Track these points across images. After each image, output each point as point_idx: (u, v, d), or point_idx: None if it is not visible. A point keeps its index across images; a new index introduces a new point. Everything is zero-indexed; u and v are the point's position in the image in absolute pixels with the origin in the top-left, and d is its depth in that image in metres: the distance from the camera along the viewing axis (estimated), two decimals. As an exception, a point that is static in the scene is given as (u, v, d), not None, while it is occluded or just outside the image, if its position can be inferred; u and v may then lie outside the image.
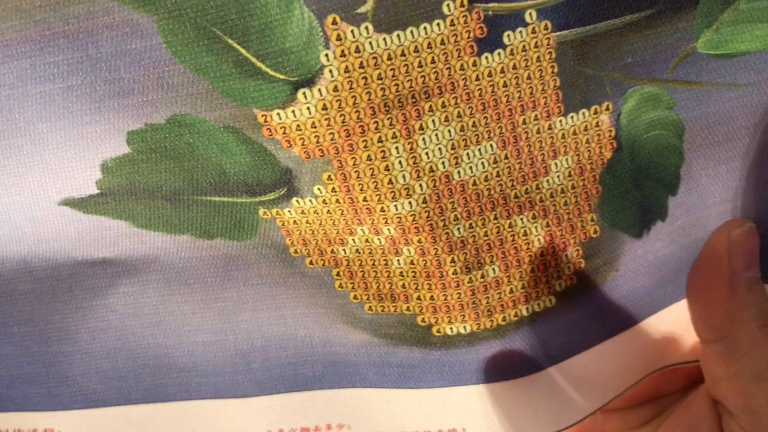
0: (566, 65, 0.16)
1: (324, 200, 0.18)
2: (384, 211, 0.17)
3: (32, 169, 0.18)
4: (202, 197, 0.19)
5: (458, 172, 0.17)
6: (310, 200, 0.18)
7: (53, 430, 0.20)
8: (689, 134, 0.17)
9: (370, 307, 0.19)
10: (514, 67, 0.16)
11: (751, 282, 0.17)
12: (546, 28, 0.16)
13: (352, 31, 0.15)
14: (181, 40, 0.15)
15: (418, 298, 0.19)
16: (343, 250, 0.19)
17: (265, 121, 0.16)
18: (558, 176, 0.18)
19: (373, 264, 0.19)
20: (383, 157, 0.17)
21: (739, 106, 0.17)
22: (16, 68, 0.16)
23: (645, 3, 0.15)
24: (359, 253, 0.19)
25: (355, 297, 0.19)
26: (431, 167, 0.17)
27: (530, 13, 0.16)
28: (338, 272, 0.19)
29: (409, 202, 0.17)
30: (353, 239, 0.18)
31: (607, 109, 0.17)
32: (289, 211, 0.18)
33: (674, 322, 0.19)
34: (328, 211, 0.18)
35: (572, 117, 0.17)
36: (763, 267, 0.18)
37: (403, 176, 0.17)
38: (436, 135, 0.16)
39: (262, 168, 0.18)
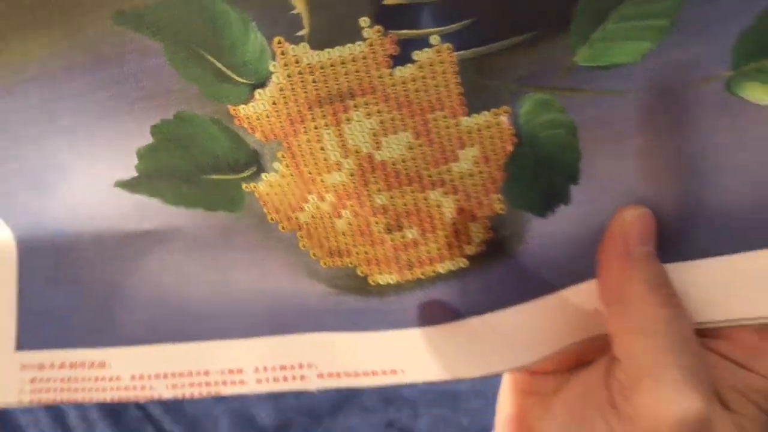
0: (467, 76, 0.21)
1: (282, 174, 0.23)
2: (323, 181, 0.23)
3: (89, 160, 0.24)
4: (205, 176, 0.24)
5: (379, 154, 0.22)
6: (273, 175, 0.23)
7: (104, 362, 0.26)
8: (583, 133, 0.21)
9: (325, 262, 0.24)
10: (423, 78, 0.21)
11: (644, 255, 0.20)
12: (449, 49, 0.20)
13: (292, 48, 0.20)
14: (179, 58, 0.21)
15: (357, 252, 0.24)
16: (302, 215, 0.24)
17: (236, 114, 0.22)
18: (466, 162, 0.22)
19: (323, 226, 0.24)
20: (318, 140, 0.22)
21: (621, 111, 0.21)
22: (76, 84, 0.22)
23: (526, 27, 0.20)
24: (313, 217, 0.24)
25: (314, 254, 0.24)
26: (356, 149, 0.22)
27: (434, 37, 0.20)
28: (300, 234, 0.24)
29: (339, 175, 0.22)
30: (307, 206, 0.24)
31: (506, 111, 0.21)
32: (261, 184, 0.24)
33: (593, 298, 0.22)
34: (287, 183, 0.23)
35: (475, 117, 0.21)
36: (663, 252, 0.21)
37: (334, 155, 0.22)
38: (360, 125, 0.22)
39: (238, 150, 0.23)
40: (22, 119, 0.23)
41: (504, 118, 0.21)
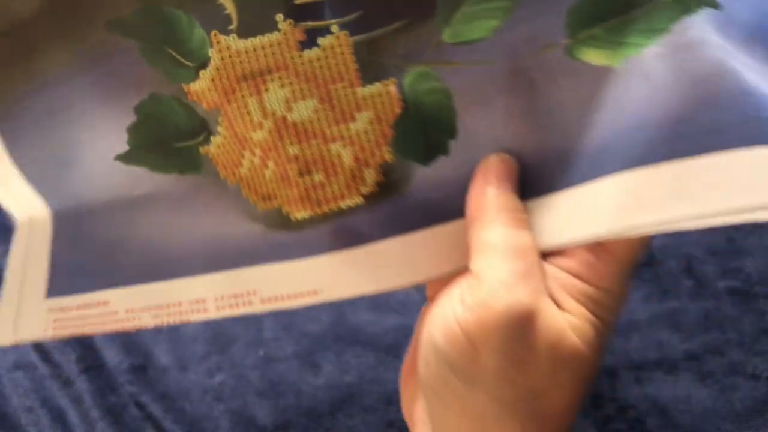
0: (361, 56, 0.26)
1: (223, 136, 0.29)
2: (251, 139, 0.29)
3: (96, 140, 0.31)
4: (174, 145, 0.30)
5: (290, 116, 0.28)
6: (218, 137, 0.29)
7: (107, 301, 0.31)
8: (456, 97, 0.26)
9: (260, 206, 0.30)
10: (326, 57, 0.26)
11: (500, 187, 0.25)
12: (345, 35, 0.26)
13: (224, 38, 0.27)
14: (147, 52, 0.28)
15: (280, 195, 0.29)
16: (242, 170, 0.30)
17: (188, 90, 0.28)
18: (361, 122, 0.27)
19: (257, 176, 0.30)
20: (245, 106, 0.28)
21: (484, 78, 0.25)
22: (83, 79, 0.29)
23: (403, 15, 0.25)
24: (249, 170, 0.30)
25: (252, 200, 0.30)
26: (273, 112, 0.28)
27: (334, 27, 0.26)
28: (242, 185, 0.30)
29: (262, 133, 0.28)
30: (244, 161, 0.29)
31: (393, 82, 0.27)
32: (212, 147, 0.30)
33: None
34: (228, 144, 0.29)
35: (369, 87, 0.27)
36: (524, 190, 0.25)
37: (257, 117, 0.28)
38: (275, 94, 0.27)
39: (192, 119, 0.29)
40: (49, 110, 0.31)
41: (392, 88, 0.27)
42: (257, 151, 0.29)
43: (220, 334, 0.51)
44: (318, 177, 0.28)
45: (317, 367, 0.48)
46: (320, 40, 0.26)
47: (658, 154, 0.22)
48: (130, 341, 0.50)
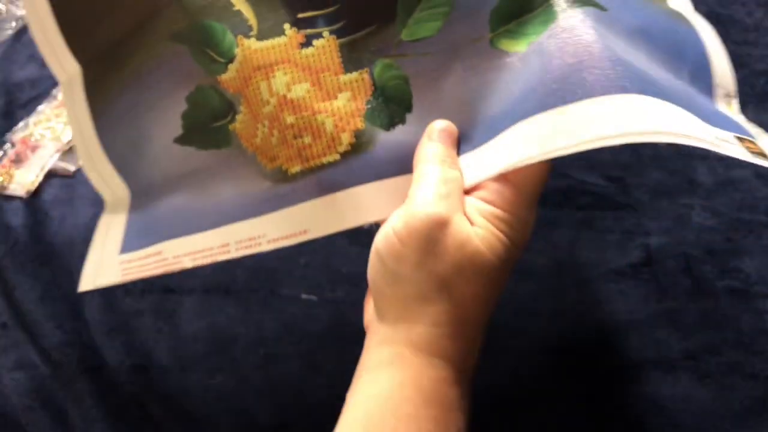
0: (344, 52, 0.36)
1: (244, 113, 0.38)
2: (261, 113, 0.37)
3: (160, 127, 0.41)
4: (212, 125, 0.40)
5: (289, 94, 0.36)
6: (240, 115, 0.39)
7: (160, 251, 0.40)
8: (412, 80, 0.35)
9: (268, 166, 0.38)
10: (318, 54, 0.36)
11: (438, 141, 0.32)
12: (333, 38, 0.36)
13: (246, 41, 0.37)
14: (195, 53, 0.38)
15: (281, 156, 0.38)
16: (257, 140, 0.38)
17: (220, 80, 0.38)
18: (341, 101, 0.36)
19: (267, 143, 0.38)
20: (257, 88, 0.37)
21: (432, 66, 0.34)
22: (151, 79, 0.40)
23: (372, 22, 0.35)
24: (261, 139, 0.38)
25: (264, 164, 0.39)
26: (277, 92, 0.37)
27: (325, 33, 0.36)
28: (257, 153, 0.39)
29: (268, 108, 0.37)
30: (258, 132, 0.38)
31: (366, 72, 0.35)
32: (237, 123, 0.39)
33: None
34: (247, 120, 0.38)
35: (349, 75, 0.36)
36: (461, 148, 0.33)
37: (265, 96, 0.37)
38: (280, 79, 0.36)
39: (223, 102, 0.39)
40: (130, 105, 0.41)
41: (365, 75, 0.36)
42: (266, 123, 0.37)
43: (220, 334, 0.51)
44: (307, 139, 0.37)
45: (318, 367, 0.48)
46: (315, 42, 0.36)
47: (544, 105, 0.29)
48: (130, 341, 0.51)
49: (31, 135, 0.64)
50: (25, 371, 0.50)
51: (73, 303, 0.53)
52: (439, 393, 0.29)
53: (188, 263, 0.39)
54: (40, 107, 0.67)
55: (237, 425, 0.47)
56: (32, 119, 0.66)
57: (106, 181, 0.44)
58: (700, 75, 0.34)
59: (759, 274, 0.51)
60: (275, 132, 0.37)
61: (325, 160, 0.36)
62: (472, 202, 0.31)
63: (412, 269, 0.29)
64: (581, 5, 0.31)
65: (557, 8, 0.31)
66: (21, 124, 0.65)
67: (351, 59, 0.36)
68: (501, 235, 0.30)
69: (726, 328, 0.48)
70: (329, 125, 0.36)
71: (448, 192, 0.30)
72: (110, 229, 0.44)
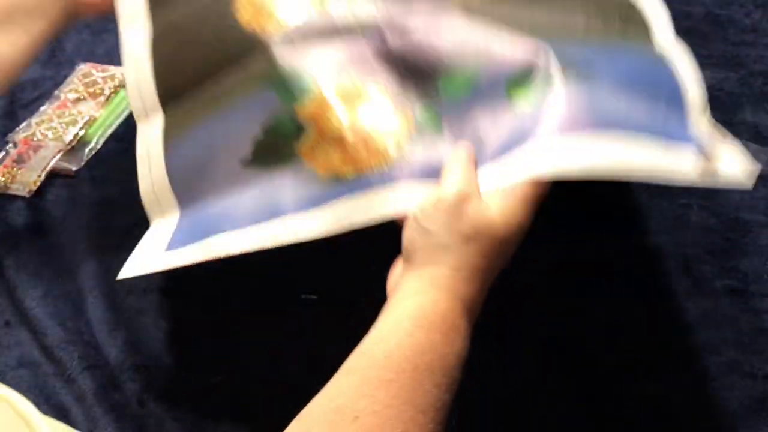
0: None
1: (311, 135, 0.44)
2: (328, 136, 0.44)
3: (229, 151, 0.46)
4: (282, 148, 0.45)
5: (357, 122, 0.43)
6: (307, 137, 0.44)
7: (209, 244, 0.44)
8: (444, 119, 0.44)
9: (324, 174, 0.43)
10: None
11: (462, 153, 0.42)
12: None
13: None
14: (280, 91, 0.45)
15: (336, 164, 0.43)
16: (319, 156, 0.44)
17: (296, 109, 0.44)
18: (392, 124, 0.44)
19: (329, 160, 0.43)
20: (330, 118, 0.44)
21: (467, 115, 0.43)
22: (233, 112, 0.47)
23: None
24: (324, 157, 0.44)
25: (320, 172, 0.44)
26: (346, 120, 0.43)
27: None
28: (315, 165, 0.44)
29: (335, 132, 0.43)
30: (322, 150, 0.44)
31: (410, 108, 0.45)
32: (303, 145, 0.44)
33: None
34: (313, 141, 0.44)
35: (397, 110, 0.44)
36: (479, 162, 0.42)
37: (336, 123, 0.43)
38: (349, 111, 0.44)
39: (294, 128, 0.44)
40: (207, 138, 0.47)
41: (409, 111, 0.44)
42: (331, 142, 0.43)
43: (221, 334, 0.51)
44: (363, 153, 0.43)
45: (318, 367, 0.48)
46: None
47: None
48: (132, 340, 0.51)
49: (33, 135, 0.64)
50: (28, 369, 0.50)
51: (75, 302, 0.53)
52: (448, 318, 0.37)
53: (235, 250, 0.43)
54: (42, 107, 0.67)
55: (237, 425, 0.47)
56: (34, 119, 0.66)
57: (162, 205, 0.48)
58: (675, 102, 0.41)
59: (758, 274, 0.51)
60: (338, 150, 0.43)
61: (374, 165, 0.43)
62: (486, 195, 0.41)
63: (440, 227, 0.38)
64: (574, 77, 0.40)
65: (555, 78, 0.40)
66: (23, 124, 0.66)
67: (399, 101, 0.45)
68: (508, 212, 0.39)
69: (725, 328, 0.48)
70: (381, 142, 0.43)
71: (471, 179, 0.40)
72: (158, 234, 0.47)
